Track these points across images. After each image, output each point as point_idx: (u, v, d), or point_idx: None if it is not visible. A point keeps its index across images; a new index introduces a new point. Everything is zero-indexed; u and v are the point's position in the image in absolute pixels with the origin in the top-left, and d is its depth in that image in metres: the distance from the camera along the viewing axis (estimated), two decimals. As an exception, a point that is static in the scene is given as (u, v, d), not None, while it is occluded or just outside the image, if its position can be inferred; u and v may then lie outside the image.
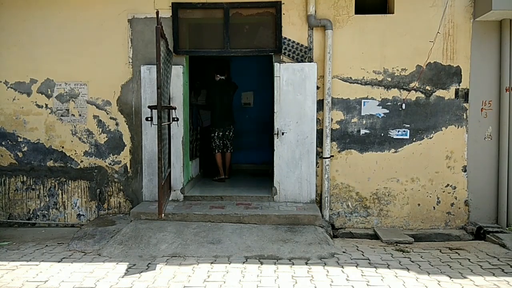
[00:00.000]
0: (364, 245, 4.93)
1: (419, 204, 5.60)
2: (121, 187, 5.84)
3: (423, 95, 5.55)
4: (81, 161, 5.84)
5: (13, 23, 5.74)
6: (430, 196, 5.60)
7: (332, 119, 5.60)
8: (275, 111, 5.56)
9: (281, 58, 5.61)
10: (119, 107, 5.78)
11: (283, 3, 5.56)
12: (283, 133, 5.54)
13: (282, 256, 4.35)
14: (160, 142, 4.45)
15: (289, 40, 5.58)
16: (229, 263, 4.17)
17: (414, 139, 5.57)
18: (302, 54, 5.60)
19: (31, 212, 5.90)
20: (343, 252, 4.59)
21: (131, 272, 3.99)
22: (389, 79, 5.53)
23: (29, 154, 5.86)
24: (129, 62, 5.72)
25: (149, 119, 4.92)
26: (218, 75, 6.94)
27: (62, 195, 5.88)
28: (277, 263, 4.19)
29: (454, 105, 5.54)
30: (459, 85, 5.53)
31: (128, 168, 5.82)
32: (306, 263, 4.20)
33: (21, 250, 4.74)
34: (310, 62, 5.55)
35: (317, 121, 5.55)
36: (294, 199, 5.59)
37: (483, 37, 5.48)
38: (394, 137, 5.60)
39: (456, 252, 4.65)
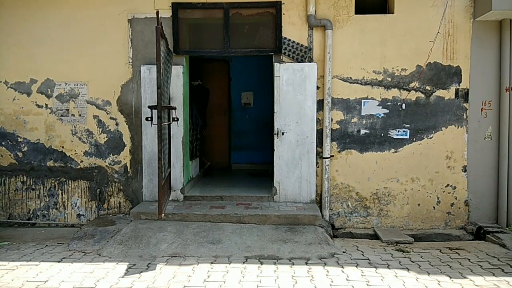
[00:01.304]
0: (364, 245, 4.93)
1: (419, 204, 5.60)
2: (121, 187, 5.84)
3: (423, 95, 5.55)
4: (81, 161, 5.84)
5: (13, 23, 5.74)
6: (430, 196, 5.60)
7: (332, 119, 5.60)
8: (275, 111, 5.56)
9: (281, 58, 5.61)
10: (119, 107, 5.78)
11: (283, 3, 5.56)
12: (283, 133, 5.54)
13: (282, 256, 4.35)
14: (160, 142, 4.45)
15: (289, 40, 5.58)
16: (229, 263, 4.17)
17: (414, 139, 5.57)
18: (302, 54, 5.60)
19: (31, 212, 5.90)
20: (343, 252, 4.59)
21: (131, 272, 3.99)
22: (389, 79, 5.53)
23: (29, 154, 5.86)
24: (129, 62, 5.72)
25: (149, 119, 4.92)
26: (198, 80, 7.08)
27: (62, 195, 5.88)
28: (277, 263, 4.19)
29: (454, 105, 5.54)
30: (459, 85, 5.53)
31: (128, 168, 5.82)
32: (306, 263, 4.20)
33: (21, 250, 4.74)
34: (310, 62, 5.55)
35: (317, 121, 5.55)
36: (294, 199, 5.59)
37: (483, 37, 5.48)
38: (394, 137, 5.60)
39: (456, 252, 4.65)
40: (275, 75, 5.53)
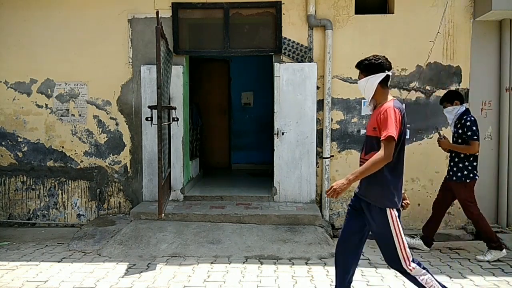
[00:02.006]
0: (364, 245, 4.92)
1: (419, 204, 5.59)
2: (121, 187, 5.84)
3: (423, 95, 5.55)
4: (81, 161, 5.84)
5: (13, 23, 5.74)
6: (430, 196, 5.58)
7: (332, 119, 5.60)
8: (275, 111, 5.56)
9: (281, 58, 5.61)
10: (119, 107, 5.78)
11: (283, 3, 5.56)
12: (283, 133, 5.54)
13: (282, 256, 4.35)
14: (160, 142, 4.45)
15: (289, 40, 5.58)
16: (229, 263, 4.18)
17: (414, 139, 5.57)
18: (302, 54, 5.60)
19: (31, 212, 5.90)
20: (343, 252, 4.58)
21: (131, 272, 3.99)
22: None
23: (29, 154, 5.85)
24: (129, 62, 5.72)
25: (149, 119, 4.92)
26: None
27: (62, 195, 5.88)
28: (277, 263, 4.19)
29: (454, 105, 5.54)
30: (459, 85, 5.53)
31: (128, 168, 5.82)
32: (306, 263, 4.20)
33: (21, 250, 4.74)
34: (310, 62, 5.55)
35: (317, 121, 5.55)
36: (294, 199, 5.59)
37: (483, 37, 5.48)
38: (394, 137, 5.58)
39: (456, 252, 4.66)
40: (275, 75, 5.53)
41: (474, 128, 4.31)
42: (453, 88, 5.52)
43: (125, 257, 4.37)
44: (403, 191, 2.89)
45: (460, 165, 4.43)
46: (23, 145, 5.85)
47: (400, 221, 2.80)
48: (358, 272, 3.97)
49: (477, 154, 4.44)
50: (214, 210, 5.27)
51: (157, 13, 4.48)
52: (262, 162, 8.23)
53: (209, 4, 5.64)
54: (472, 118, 4.38)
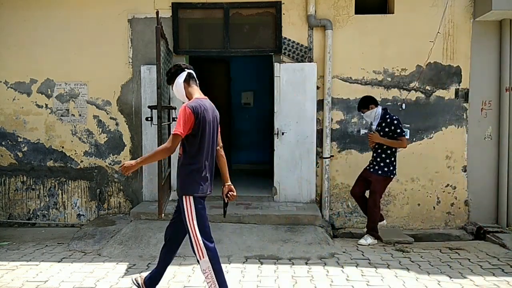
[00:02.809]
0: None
1: (419, 204, 5.60)
2: (121, 187, 5.84)
3: (423, 95, 5.55)
4: (81, 161, 5.84)
5: (13, 23, 5.74)
6: (430, 196, 5.60)
7: (332, 119, 5.60)
8: (275, 111, 5.56)
9: (281, 58, 5.61)
10: (119, 107, 5.78)
11: (283, 3, 5.56)
12: (283, 133, 5.54)
13: (282, 256, 4.35)
14: (160, 142, 4.45)
15: (289, 40, 5.58)
16: (229, 263, 4.17)
17: (414, 139, 5.57)
18: (302, 54, 5.60)
19: (31, 212, 5.90)
20: (343, 252, 4.59)
21: (131, 272, 3.99)
22: (389, 79, 5.53)
23: (29, 154, 5.85)
24: (129, 62, 5.72)
25: (149, 119, 4.92)
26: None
27: (62, 195, 5.88)
28: (277, 263, 4.19)
29: (454, 105, 5.54)
30: (459, 85, 5.53)
31: (128, 168, 5.81)
32: (306, 263, 4.20)
33: (21, 250, 4.74)
34: (310, 62, 5.55)
35: (317, 121, 5.55)
36: (294, 199, 5.59)
37: (483, 37, 5.48)
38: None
39: (456, 252, 4.65)
40: (275, 75, 5.53)
41: (400, 125, 4.73)
42: (453, 88, 5.53)
43: (125, 257, 4.37)
44: (227, 184, 3.45)
45: (387, 160, 4.79)
46: (23, 145, 5.85)
47: (197, 210, 3.04)
48: (358, 272, 3.98)
49: (398, 152, 4.90)
50: (214, 210, 5.26)
51: (157, 13, 4.47)
52: (262, 162, 8.22)
53: (209, 4, 5.64)
54: (396, 117, 4.77)
